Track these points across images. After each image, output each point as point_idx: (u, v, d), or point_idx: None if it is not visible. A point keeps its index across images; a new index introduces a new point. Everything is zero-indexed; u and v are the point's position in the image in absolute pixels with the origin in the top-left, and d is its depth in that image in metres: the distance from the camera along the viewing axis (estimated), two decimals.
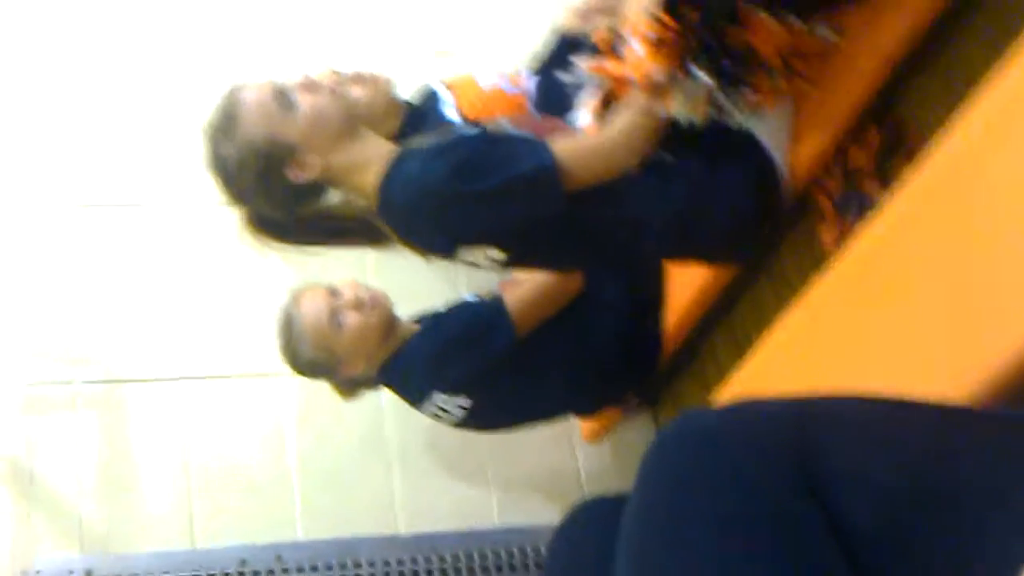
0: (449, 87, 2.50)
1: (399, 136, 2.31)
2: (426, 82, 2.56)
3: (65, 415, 2.58)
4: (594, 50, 1.90)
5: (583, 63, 1.89)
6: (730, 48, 1.73)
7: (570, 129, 1.97)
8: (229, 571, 2.43)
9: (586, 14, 2.29)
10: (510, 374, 2.28)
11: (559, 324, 2.29)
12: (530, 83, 2.44)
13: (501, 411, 2.40)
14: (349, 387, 2.39)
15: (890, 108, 1.85)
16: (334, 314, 2.23)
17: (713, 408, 1.04)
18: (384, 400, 2.58)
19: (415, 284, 2.56)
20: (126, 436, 2.60)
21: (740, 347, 2.16)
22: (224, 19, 3.19)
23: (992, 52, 1.42)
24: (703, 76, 1.75)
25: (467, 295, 2.46)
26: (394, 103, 2.49)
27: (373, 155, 1.94)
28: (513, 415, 2.44)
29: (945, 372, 1.26)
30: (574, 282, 2.27)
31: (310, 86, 1.96)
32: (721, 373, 2.13)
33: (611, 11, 2.07)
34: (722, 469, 0.93)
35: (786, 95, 1.83)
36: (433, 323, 2.33)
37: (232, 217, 2.03)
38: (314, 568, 2.46)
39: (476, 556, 2.54)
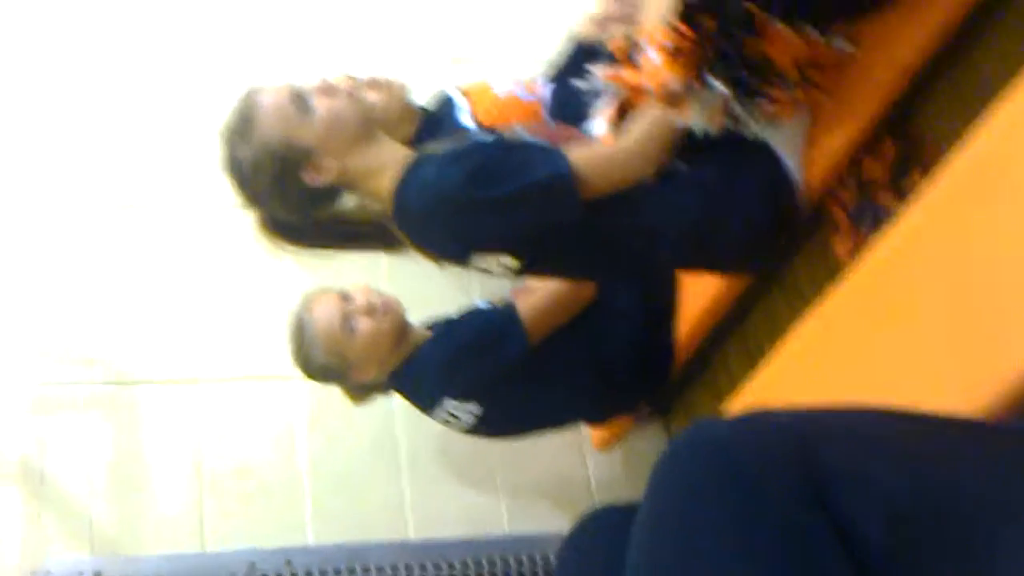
0: (465, 94, 2.51)
1: (414, 142, 2.31)
2: (442, 88, 2.57)
3: (76, 416, 2.59)
4: (610, 58, 1.89)
5: (599, 71, 1.88)
6: (747, 58, 1.73)
7: (585, 138, 1.96)
8: (238, 574, 2.43)
9: (603, 22, 2.29)
10: (522, 381, 2.27)
11: (572, 332, 2.28)
12: (546, 91, 2.44)
13: (512, 418, 2.39)
14: (360, 392, 2.39)
15: (906, 120, 1.84)
16: (346, 319, 2.23)
17: (725, 418, 1.04)
18: (395, 405, 2.58)
19: (428, 290, 2.56)
20: (137, 438, 2.60)
21: (752, 357, 2.16)
22: (243, 23, 3.21)
23: (1009, 66, 1.42)
24: (719, 86, 1.75)
25: (480, 302, 2.46)
26: (409, 109, 2.50)
27: (389, 160, 1.95)
28: (524, 422, 2.44)
29: (958, 385, 1.26)
30: (587, 290, 2.27)
31: (327, 90, 1.97)
32: (733, 383, 2.13)
33: (628, 19, 2.07)
34: (733, 479, 0.93)
35: (802, 106, 1.83)
36: (445, 329, 2.33)
37: (247, 219, 2.04)
38: (323, 573, 2.45)
39: (485, 563, 2.53)
